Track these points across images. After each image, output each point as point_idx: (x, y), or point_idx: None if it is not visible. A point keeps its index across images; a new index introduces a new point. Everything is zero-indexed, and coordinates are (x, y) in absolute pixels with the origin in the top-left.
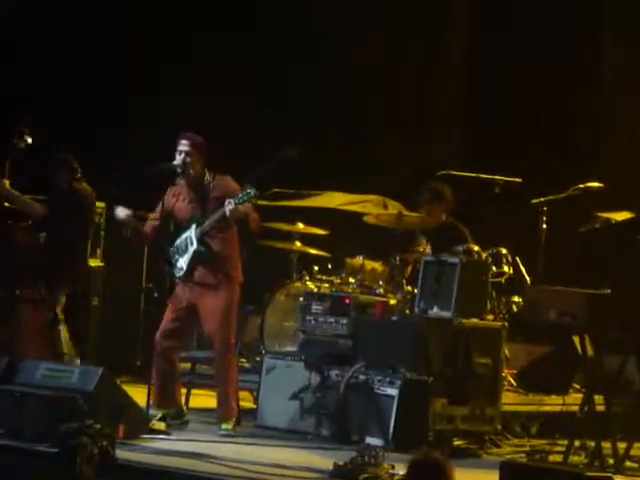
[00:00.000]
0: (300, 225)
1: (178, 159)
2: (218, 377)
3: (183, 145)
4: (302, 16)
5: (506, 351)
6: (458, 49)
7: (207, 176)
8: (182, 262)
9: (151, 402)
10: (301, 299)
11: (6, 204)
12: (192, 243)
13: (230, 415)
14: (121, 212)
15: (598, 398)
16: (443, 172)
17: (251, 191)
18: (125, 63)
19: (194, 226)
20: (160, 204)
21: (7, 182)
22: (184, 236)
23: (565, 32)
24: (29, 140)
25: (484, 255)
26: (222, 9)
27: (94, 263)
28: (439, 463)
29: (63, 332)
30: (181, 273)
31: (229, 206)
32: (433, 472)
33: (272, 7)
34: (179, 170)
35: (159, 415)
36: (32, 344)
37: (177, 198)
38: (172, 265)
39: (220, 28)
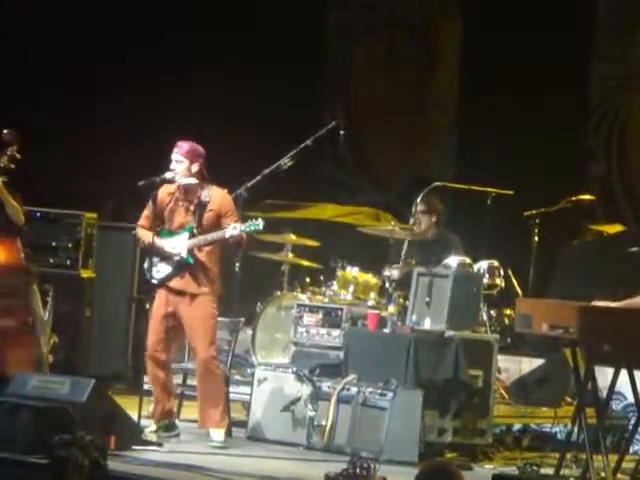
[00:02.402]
0: (292, 236)
1: (171, 171)
2: (201, 385)
3: (174, 154)
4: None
5: (498, 363)
6: (453, 56)
7: (204, 186)
8: (163, 266)
9: (149, 414)
10: (293, 310)
11: None
12: (180, 251)
13: (215, 423)
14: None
15: (590, 411)
16: (436, 184)
17: (259, 224)
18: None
19: (186, 235)
20: (151, 203)
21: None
22: (171, 240)
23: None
24: (16, 156)
25: (476, 267)
26: None
27: (86, 274)
28: (451, 474)
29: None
30: (159, 277)
31: (234, 231)
32: None
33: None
34: (172, 180)
35: (153, 427)
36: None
37: (171, 198)
38: (150, 264)
39: None
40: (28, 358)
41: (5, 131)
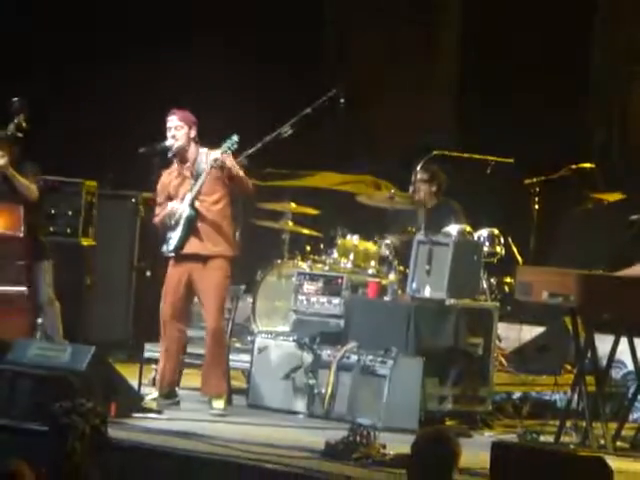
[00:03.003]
0: (292, 205)
1: (171, 139)
2: (209, 354)
3: (171, 121)
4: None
5: (498, 332)
6: (454, 25)
7: (200, 151)
8: (174, 234)
9: (150, 381)
10: (293, 279)
11: None
12: (184, 211)
13: (218, 392)
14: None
15: (589, 379)
16: (436, 152)
17: (234, 137)
18: None
19: (188, 196)
20: (159, 187)
21: (4, 157)
22: (177, 210)
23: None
24: (23, 124)
25: (476, 235)
26: None
27: (87, 242)
28: (448, 441)
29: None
30: (174, 244)
31: (215, 154)
32: (440, 449)
33: None
34: (172, 147)
35: (154, 394)
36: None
37: (171, 176)
38: (166, 242)
39: None
40: (18, 326)
41: (13, 99)
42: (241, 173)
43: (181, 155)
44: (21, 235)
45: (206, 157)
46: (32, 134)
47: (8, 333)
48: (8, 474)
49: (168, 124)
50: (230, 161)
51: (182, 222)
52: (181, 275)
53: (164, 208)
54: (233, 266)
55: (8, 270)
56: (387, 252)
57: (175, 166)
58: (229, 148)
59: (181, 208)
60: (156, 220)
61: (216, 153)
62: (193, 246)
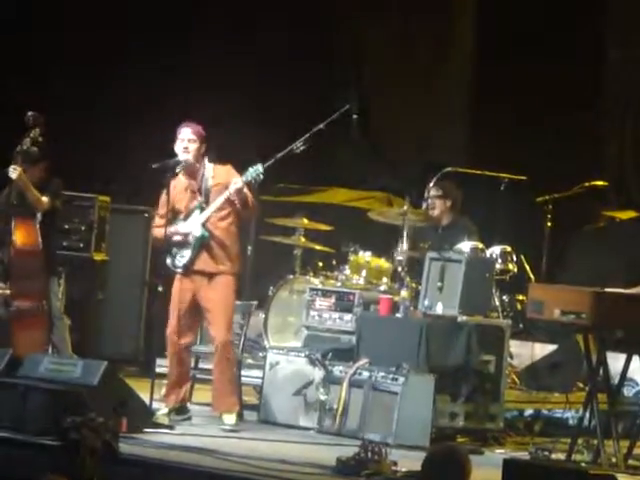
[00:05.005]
0: (305, 220)
1: (183, 151)
2: (217, 370)
3: (184, 133)
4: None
5: (510, 349)
6: (467, 41)
7: (207, 166)
8: (184, 252)
9: (161, 397)
10: (305, 294)
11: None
12: (195, 231)
13: (229, 408)
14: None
15: (601, 397)
16: (449, 169)
17: (259, 167)
18: None
19: (197, 213)
20: (163, 199)
21: (17, 170)
22: (185, 224)
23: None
24: (39, 139)
25: (489, 253)
26: None
27: (99, 257)
28: (459, 458)
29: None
30: (183, 262)
31: (236, 185)
32: (452, 466)
33: None
34: (186, 163)
35: (165, 410)
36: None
37: (178, 189)
38: (172, 256)
39: None
40: (40, 340)
41: (29, 113)
42: (252, 203)
43: (190, 169)
44: (39, 249)
45: (213, 172)
46: (53, 150)
47: (29, 348)
48: None
49: (181, 136)
50: (247, 189)
51: (193, 242)
52: (188, 291)
53: (165, 220)
54: (240, 282)
55: (29, 285)
56: (399, 268)
57: (182, 179)
58: (254, 179)
59: (191, 227)
60: (156, 232)
61: (238, 182)
62: (198, 264)
